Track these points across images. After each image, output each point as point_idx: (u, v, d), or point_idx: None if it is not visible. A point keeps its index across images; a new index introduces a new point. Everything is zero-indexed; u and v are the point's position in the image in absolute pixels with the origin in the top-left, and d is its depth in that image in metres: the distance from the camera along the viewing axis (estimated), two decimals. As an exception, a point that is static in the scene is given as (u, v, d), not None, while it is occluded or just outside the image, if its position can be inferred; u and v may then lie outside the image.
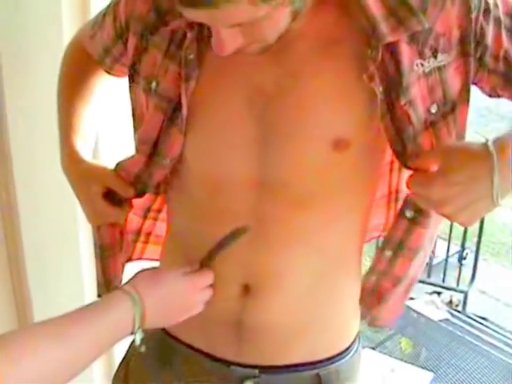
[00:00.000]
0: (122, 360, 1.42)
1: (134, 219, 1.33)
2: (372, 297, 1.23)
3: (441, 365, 3.55)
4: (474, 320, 4.45)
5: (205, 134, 1.10)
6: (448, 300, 4.68)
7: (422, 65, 1.03)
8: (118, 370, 1.42)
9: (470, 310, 4.78)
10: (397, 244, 1.16)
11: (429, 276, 5.16)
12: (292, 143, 1.06)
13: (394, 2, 1.00)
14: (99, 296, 1.38)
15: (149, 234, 1.34)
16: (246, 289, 1.16)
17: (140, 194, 1.24)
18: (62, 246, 2.10)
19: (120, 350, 2.19)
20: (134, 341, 1.37)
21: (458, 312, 4.53)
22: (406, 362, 3.50)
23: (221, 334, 1.21)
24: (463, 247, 5.28)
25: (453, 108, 1.09)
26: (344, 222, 1.16)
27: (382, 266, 1.18)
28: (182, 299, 1.10)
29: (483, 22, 1.04)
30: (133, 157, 1.23)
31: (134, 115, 1.25)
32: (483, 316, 4.77)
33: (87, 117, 1.36)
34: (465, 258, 5.43)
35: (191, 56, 1.06)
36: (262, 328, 1.16)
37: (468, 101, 1.11)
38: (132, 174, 1.22)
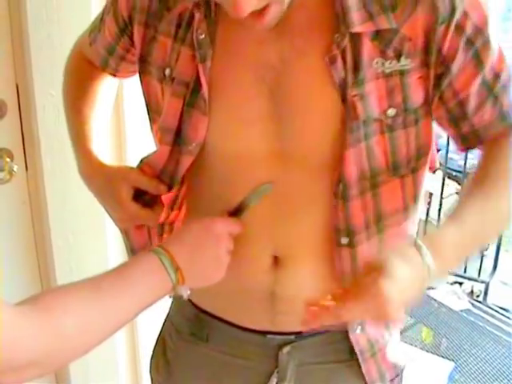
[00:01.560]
0: (158, 338, 1.46)
1: None
2: None
3: (461, 354, 3.55)
4: (495, 310, 4.43)
5: (224, 112, 1.10)
6: (469, 290, 4.67)
7: (383, 64, 1.03)
8: (155, 347, 1.46)
9: (491, 300, 4.76)
10: None
11: (450, 266, 5.15)
12: (303, 115, 1.07)
13: None
14: None
15: (172, 223, 1.35)
16: (276, 260, 1.17)
17: (169, 189, 1.23)
18: (89, 234, 2.12)
19: (144, 347, 2.26)
20: (166, 319, 1.41)
21: (479, 302, 4.52)
22: (426, 351, 3.50)
23: (255, 306, 1.22)
24: (485, 238, 5.23)
25: (416, 120, 1.10)
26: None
27: None
28: (208, 247, 1.10)
29: (452, 41, 1.04)
30: (156, 150, 1.23)
31: (149, 108, 1.25)
32: (504, 307, 4.76)
33: (97, 124, 1.36)
34: (486, 249, 5.39)
35: (202, 36, 1.07)
36: (294, 297, 1.16)
37: (431, 115, 1.12)
38: (158, 168, 1.21)
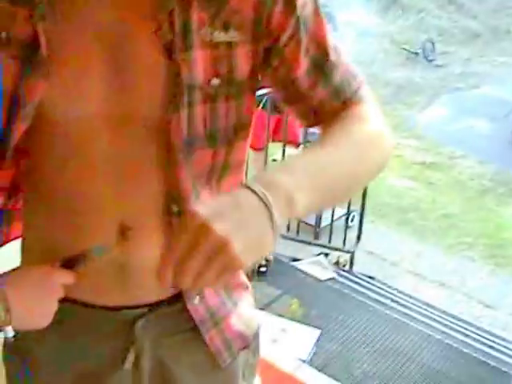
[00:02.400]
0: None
1: None
2: None
3: (328, 321, 3.63)
4: (361, 279, 4.59)
5: (63, 74, 1.04)
6: (335, 261, 4.79)
7: (212, 33, 1.03)
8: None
9: (357, 269, 4.92)
10: None
11: (316, 238, 5.29)
12: (136, 78, 1.05)
13: None
14: None
15: (11, 210, 1.25)
16: (123, 231, 1.12)
17: None
18: None
19: None
20: None
21: (346, 272, 4.65)
22: (295, 321, 3.56)
23: (105, 281, 1.17)
24: (349, 210, 5.41)
25: (239, 93, 1.10)
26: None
27: None
28: (42, 297, 1.11)
29: (280, 15, 1.04)
30: None
31: None
32: (370, 275, 4.92)
33: None
34: (352, 220, 5.56)
35: None
36: (144, 268, 1.13)
37: (254, 92, 1.13)
38: None
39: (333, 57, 1.12)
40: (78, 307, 1.20)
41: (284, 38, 1.06)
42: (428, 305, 4.49)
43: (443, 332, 3.85)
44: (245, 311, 1.32)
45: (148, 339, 1.21)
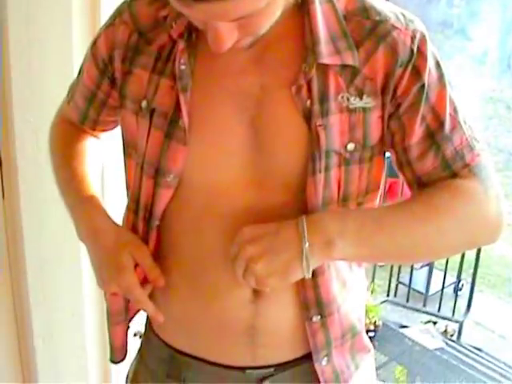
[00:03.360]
0: (131, 373, 1.41)
1: None
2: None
3: (434, 393, 3.55)
4: (469, 350, 4.45)
5: (203, 142, 1.11)
6: (443, 329, 4.69)
7: (348, 99, 1.07)
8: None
9: (464, 340, 4.79)
10: None
11: (424, 305, 5.19)
12: (276, 143, 1.10)
13: (337, 32, 1.06)
14: (112, 361, 1.33)
15: None
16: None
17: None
18: (64, 259, 2.11)
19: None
20: (138, 362, 1.37)
21: (453, 342, 4.54)
22: (399, 389, 3.50)
23: (234, 342, 1.19)
24: (459, 278, 5.30)
25: (371, 157, 1.13)
26: None
27: None
28: None
29: (406, 84, 1.08)
30: (135, 186, 1.21)
31: (125, 144, 1.25)
32: (478, 347, 4.78)
33: (92, 179, 1.30)
34: (460, 289, 5.45)
35: (184, 66, 1.09)
36: (274, 329, 1.17)
37: (384, 155, 1.17)
38: (138, 204, 1.21)
39: (447, 129, 1.11)
40: (203, 364, 1.23)
41: (405, 104, 1.09)
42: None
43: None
44: (365, 374, 1.33)
45: None
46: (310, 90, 1.06)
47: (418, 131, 1.11)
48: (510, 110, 13.36)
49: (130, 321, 1.31)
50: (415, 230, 1.10)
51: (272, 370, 1.22)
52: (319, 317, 1.16)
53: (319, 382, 1.23)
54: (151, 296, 1.20)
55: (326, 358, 1.21)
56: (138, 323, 1.36)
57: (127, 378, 1.41)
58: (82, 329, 2.25)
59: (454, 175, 1.13)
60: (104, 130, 1.37)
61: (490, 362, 4.42)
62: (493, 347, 5.10)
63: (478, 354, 4.49)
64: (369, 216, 1.10)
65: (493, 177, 1.15)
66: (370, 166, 1.14)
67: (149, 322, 1.34)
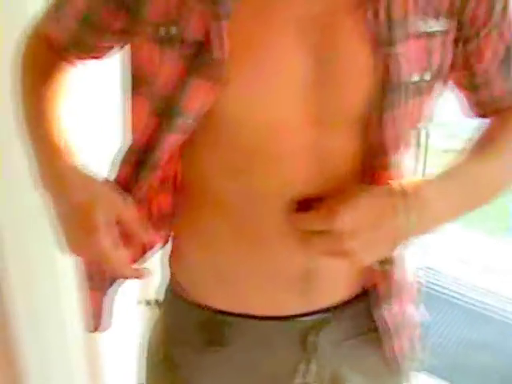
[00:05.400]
0: (151, 361, 1.28)
1: None
2: None
3: None
4: None
5: (249, 76, 0.94)
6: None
7: (426, 22, 0.95)
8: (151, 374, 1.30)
9: None
10: None
11: None
12: (346, 75, 0.95)
13: None
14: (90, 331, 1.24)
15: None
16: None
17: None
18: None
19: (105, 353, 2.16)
20: (159, 327, 1.27)
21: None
22: None
23: (286, 289, 1.10)
24: None
25: (443, 84, 1.04)
26: None
27: None
28: None
29: (485, 3, 0.98)
30: (138, 127, 1.06)
31: (135, 80, 1.05)
32: None
33: (66, 120, 1.10)
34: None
35: None
36: (330, 268, 1.08)
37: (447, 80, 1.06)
38: (137, 146, 1.05)
39: None
40: (249, 321, 1.14)
41: (487, 27, 1.00)
42: None
43: None
44: (415, 316, 1.28)
45: (327, 346, 1.16)
46: (386, 13, 0.92)
47: (496, 51, 1.03)
48: None
49: (109, 287, 1.19)
50: (496, 174, 1.08)
51: (326, 314, 1.14)
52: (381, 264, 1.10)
53: (376, 329, 1.18)
54: (183, 253, 1.13)
55: (385, 306, 1.15)
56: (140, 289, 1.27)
57: (149, 358, 1.29)
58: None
59: None
60: (95, 58, 1.15)
61: None
62: None
63: None
64: (467, 180, 1.04)
65: None
66: (437, 95, 1.04)
67: (171, 286, 1.24)
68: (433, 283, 3.90)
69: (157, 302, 1.33)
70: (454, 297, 3.89)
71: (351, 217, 0.94)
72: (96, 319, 1.21)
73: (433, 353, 3.30)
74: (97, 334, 1.28)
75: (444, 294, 3.91)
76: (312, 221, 0.98)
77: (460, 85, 1.10)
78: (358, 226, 0.94)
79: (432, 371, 3.10)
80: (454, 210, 1.04)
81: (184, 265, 1.18)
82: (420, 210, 0.96)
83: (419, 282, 1.25)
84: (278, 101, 0.96)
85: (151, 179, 1.06)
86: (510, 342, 3.43)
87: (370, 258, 0.99)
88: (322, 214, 0.96)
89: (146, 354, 1.29)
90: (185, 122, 0.97)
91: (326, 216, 0.95)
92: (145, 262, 1.17)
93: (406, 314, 1.21)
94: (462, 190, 1.02)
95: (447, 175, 1.03)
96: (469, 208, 1.07)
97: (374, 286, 1.13)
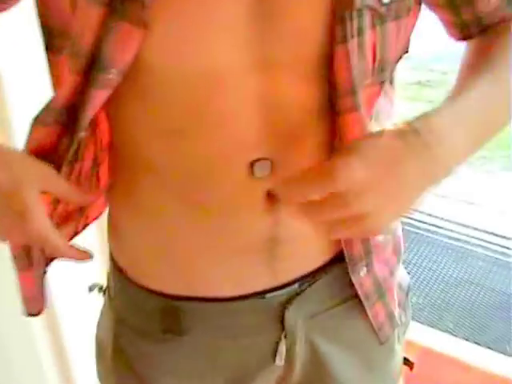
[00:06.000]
0: (101, 352, 1.17)
1: None
2: None
3: None
4: None
5: (177, 20, 0.79)
6: None
7: None
8: (102, 366, 1.18)
9: None
10: None
11: None
12: (291, 8, 0.80)
13: None
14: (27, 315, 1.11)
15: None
16: (274, 200, 0.91)
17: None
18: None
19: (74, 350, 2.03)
20: (111, 325, 1.13)
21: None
22: None
23: (250, 263, 0.98)
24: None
25: (408, 8, 0.89)
26: None
27: None
28: None
29: None
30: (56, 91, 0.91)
31: (48, 35, 0.91)
32: None
33: None
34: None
35: None
36: (298, 236, 0.96)
37: (421, 2, 0.94)
38: (58, 111, 0.88)
39: None
40: (210, 304, 1.02)
41: None
42: None
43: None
44: (400, 274, 1.16)
45: (301, 323, 1.04)
46: None
47: None
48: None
49: (45, 266, 1.07)
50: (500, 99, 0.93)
51: (296, 286, 1.01)
52: None
53: (356, 296, 1.05)
54: (120, 230, 1.01)
55: (364, 268, 1.03)
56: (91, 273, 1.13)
57: (98, 350, 1.17)
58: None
59: None
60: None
61: None
62: None
63: None
64: (480, 101, 0.89)
65: None
66: (408, 21, 0.90)
67: (118, 271, 1.09)
68: (412, 220, 3.85)
69: (97, 286, 1.17)
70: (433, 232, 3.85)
71: (357, 169, 0.75)
72: (32, 302, 1.09)
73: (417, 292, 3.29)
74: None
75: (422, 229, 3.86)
76: (305, 185, 0.78)
77: (437, 6, 0.97)
78: (368, 180, 0.75)
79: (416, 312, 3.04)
80: (474, 139, 0.88)
81: (124, 245, 1.05)
82: (438, 146, 0.79)
83: (400, 229, 1.14)
84: (212, 44, 0.80)
85: (78, 142, 0.90)
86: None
87: (386, 220, 0.81)
88: (317, 173, 0.78)
89: (95, 347, 1.18)
90: (110, 74, 0.81)
91: (322, 174, 0.76)
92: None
93: (388, 272, 1.10)
94: (476, 112, 0.88)
95: (455, 101, 0.88)
96: (489, 133, 0.93)
97: (350, 247, 1.00)
